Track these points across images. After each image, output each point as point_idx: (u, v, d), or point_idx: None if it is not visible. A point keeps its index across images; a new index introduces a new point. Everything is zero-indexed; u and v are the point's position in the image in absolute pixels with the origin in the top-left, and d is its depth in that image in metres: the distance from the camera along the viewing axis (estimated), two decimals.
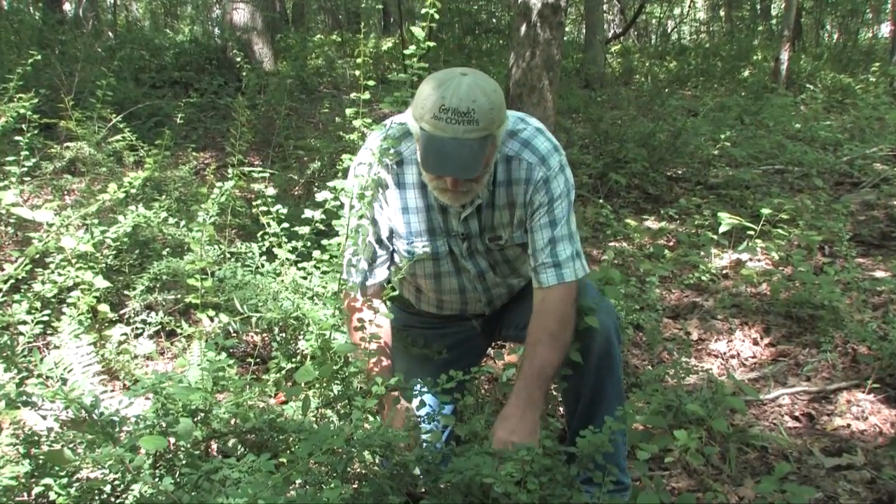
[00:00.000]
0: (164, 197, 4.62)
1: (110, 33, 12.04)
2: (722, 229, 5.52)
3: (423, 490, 2.33)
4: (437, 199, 2.62)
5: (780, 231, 5.63)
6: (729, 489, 3.09)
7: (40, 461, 2.14)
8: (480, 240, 2.73)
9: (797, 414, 3.72)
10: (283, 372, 3.11)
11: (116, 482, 2.13)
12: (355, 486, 2.28)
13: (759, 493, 2.89)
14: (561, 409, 3.49)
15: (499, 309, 2.98)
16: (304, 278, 3.21)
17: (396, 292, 2.73)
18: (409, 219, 2.69)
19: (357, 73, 2.83)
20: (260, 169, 3.23)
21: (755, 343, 4.44)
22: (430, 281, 2.85)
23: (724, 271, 5.37)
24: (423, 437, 2.44)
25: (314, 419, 2.58)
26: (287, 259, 3.32)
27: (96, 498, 2.15)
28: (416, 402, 2.52)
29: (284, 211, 3.33)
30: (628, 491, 2.77)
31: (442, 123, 2.36)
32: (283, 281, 3.19)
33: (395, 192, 2.68)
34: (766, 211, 5.70)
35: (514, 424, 2.43)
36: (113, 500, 2.15)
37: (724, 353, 4.37)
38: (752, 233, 5.53)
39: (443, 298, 2.93)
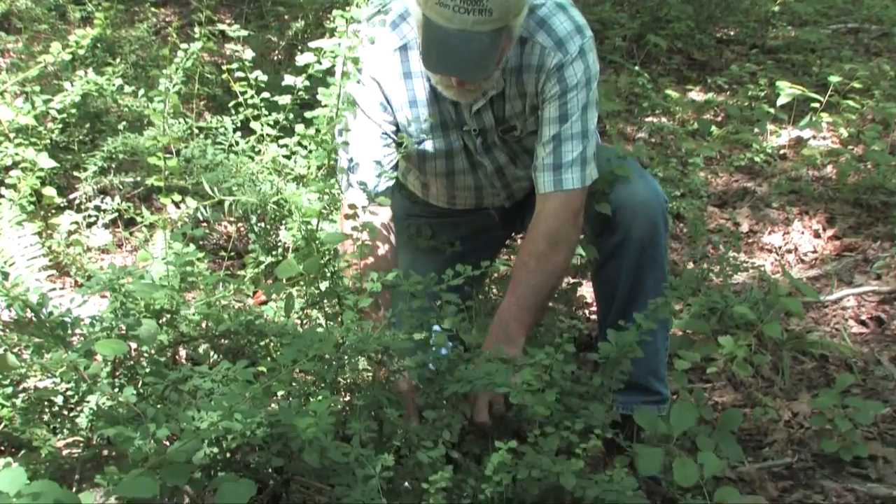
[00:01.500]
0: (118, 61, 4.55)
1: None
2: (781, 101, 5.44)
3: (426, 402, 2.36)
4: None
5: (850, 103, 5.55)
6: (781, 404, 3.12)
7: None
8: (496, 132, 2.70)
9: (864, 318, 3.74)
10: (262, 267, 3.11)
11: (69, 392, 2.15)
12: (346, 398, 2.30)
13: (817, 408, 2.91)
14: (587, 310, 3.51)
15: (521, 199, 2.96)
16: (287, 157, 3.19)
17: (396, 173, 2.70)
18: (418, 112, 2.65)
19: None
20: (236, 27, 3.17)
21: (816, 235, 4.43)
22: (442, 179, 2.83)
23: (782, 151, 5.33)
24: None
25: (298, 321, 2.59)
26: (266, 135, 3.29)
27: (46, 410, 2.18)
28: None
29: (264, 78, 3.28)
30: (666, 404, 2.79)
31: (448, 12, 2.29)
32: (261, 160, 3.16)
33: (401, 82, 2.63)
34: (834, 79, 5.60)
35: None
36: (65, 413, 2.18)
37: (780, 248, 4.36)
38: (816, 105, 5.46)
39: (455, 195, 2.91)
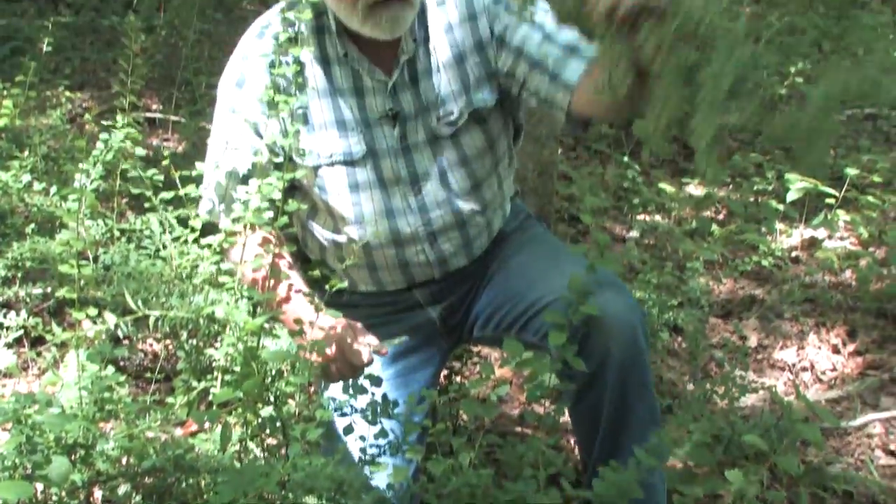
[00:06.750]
0: (26, 153, 4.58)
1: None
2: (791, 197, 5.52)
3: None
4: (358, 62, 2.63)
5: (870, 199, 5.64)
6: None
7: None
8: (423, 122, 2.70)
9: (893, 447, 3.76)
10: (195, 393, 3.10)
11: None
12: None
13: None
14: (571, 440, 3.51)
15: (465, 287, 2.89)
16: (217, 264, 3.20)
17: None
18: (310, 115, 2.69)
19: None
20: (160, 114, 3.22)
21: (835, 351, 4.47)
22: (346, 196, 2.74)
23: (794, 254, 5.39)
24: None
25: (236, 455, 2.58)
26: (191, 239, 3.31)
27: None
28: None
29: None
30: None
31: None
32: (186, 265, 3.17)
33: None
34: (851, 171, 5.69)
35: None
36: None
37: (794, 365, 4.39)
38: (831, 201, 5.54)
39: (372, 253, 2.78)
